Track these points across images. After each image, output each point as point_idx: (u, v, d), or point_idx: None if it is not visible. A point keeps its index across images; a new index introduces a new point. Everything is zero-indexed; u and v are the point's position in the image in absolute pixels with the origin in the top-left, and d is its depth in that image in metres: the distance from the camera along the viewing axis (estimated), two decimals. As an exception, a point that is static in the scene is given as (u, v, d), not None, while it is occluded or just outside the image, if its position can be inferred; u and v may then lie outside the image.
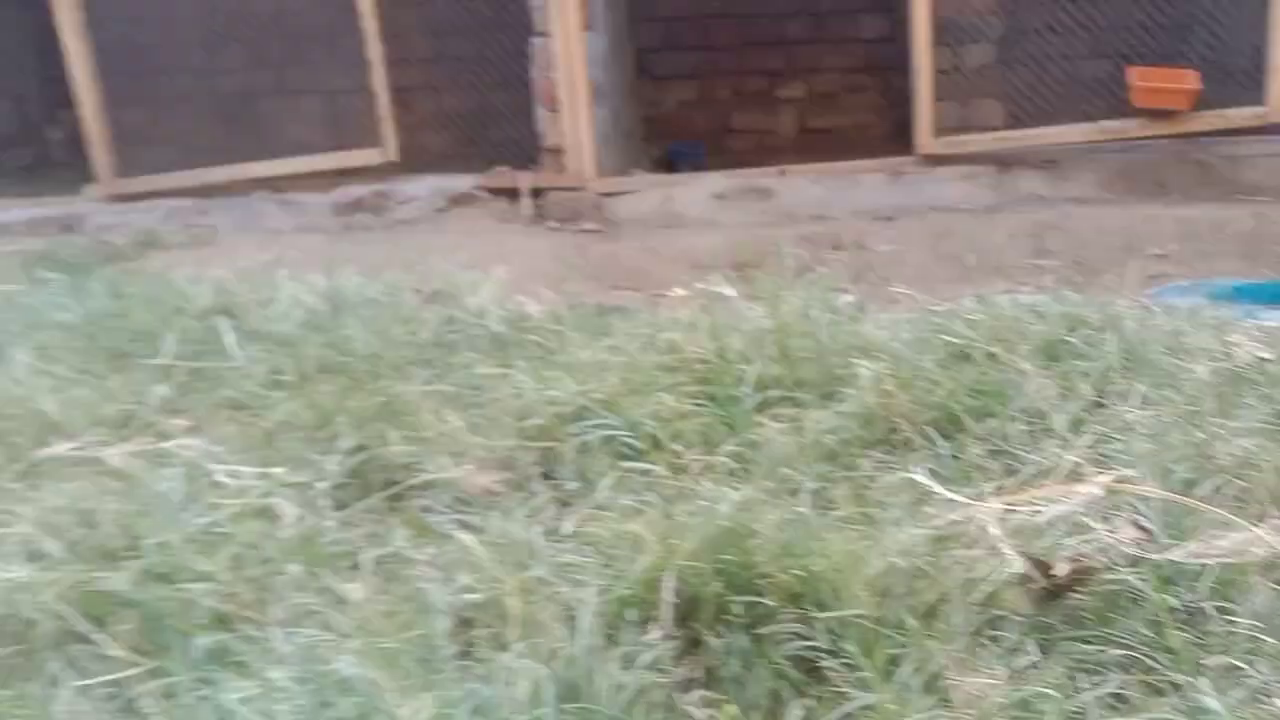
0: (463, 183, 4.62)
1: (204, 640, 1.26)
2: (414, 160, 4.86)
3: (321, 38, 5.74)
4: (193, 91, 5.65)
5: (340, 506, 1.67)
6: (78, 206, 4.66)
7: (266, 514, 1.58)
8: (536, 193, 4.60)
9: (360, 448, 1.78)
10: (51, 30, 6.01)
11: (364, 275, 2.90)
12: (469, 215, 4.59)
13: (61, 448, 1.74)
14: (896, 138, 5.67)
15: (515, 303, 2.58)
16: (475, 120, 5.83)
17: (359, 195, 4.54)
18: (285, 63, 5.94)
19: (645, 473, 1.71)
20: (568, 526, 1.59)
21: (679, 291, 2.53)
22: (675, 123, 5.92)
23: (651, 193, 4.58)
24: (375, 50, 4.55)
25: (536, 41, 4.50)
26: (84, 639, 1.32)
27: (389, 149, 4.60)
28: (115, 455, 1.70)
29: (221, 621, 1.33)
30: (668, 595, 1.32)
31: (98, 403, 1.92)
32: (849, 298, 2.59)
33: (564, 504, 1.70)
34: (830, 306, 2.40)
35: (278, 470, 1.69)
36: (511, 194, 4.63)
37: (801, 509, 1.55)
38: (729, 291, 2.42)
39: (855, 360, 2.07)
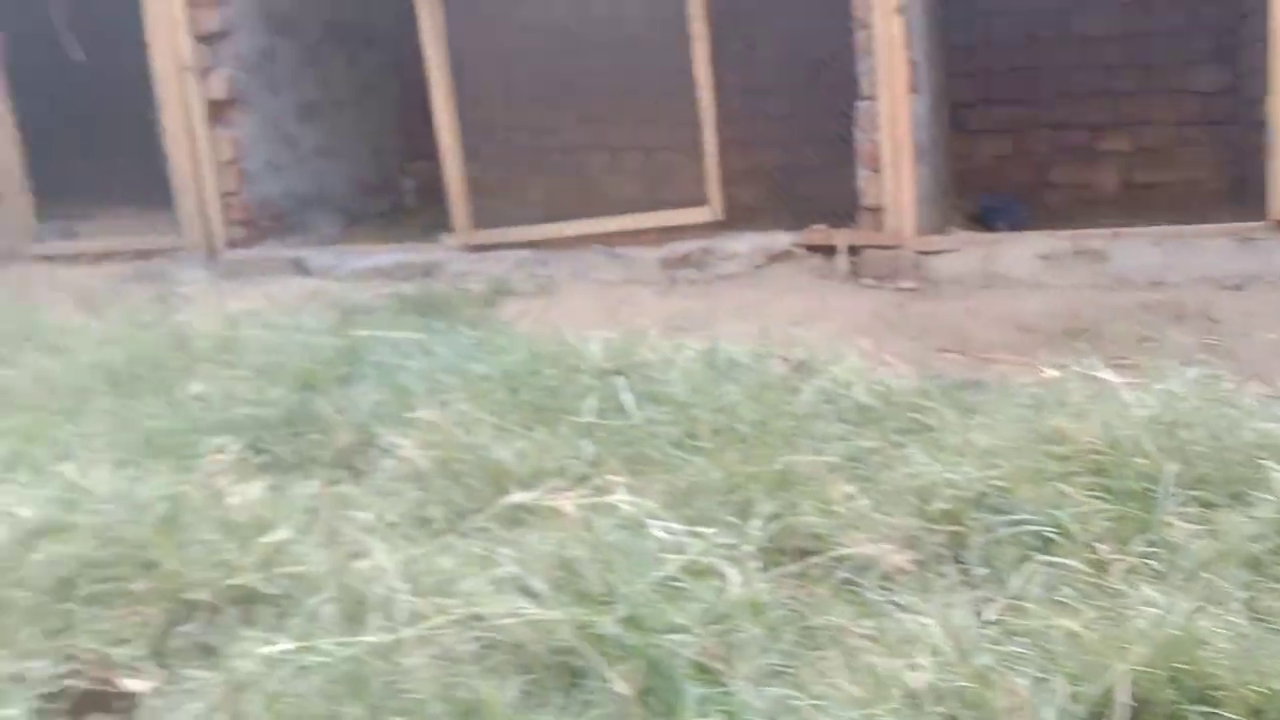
0: (781, 240, 4.79)
1: (697, 689, 1.45)
2: (726, 213, 5.11)
3: (643, 98, 6.16)
4: (528, 148, 6.20)
5: (762, 570, 1.83)
6: (436, 254, 5.22)
7: (709, 572, 1.76)
8: (852, 250, 4.69)
9: (775, 515, 1.94)
10: (409, 89, 6.80)
11: (705, 335, 3.11)
12: (786, 272, 4.75)
13: (520, 496, 2.02)
14: (1232, 195, 5.33)
15: (877, 374, 2.69)
16: (784, 175, 6.04)
17: (685, 251, 4.81)
18: (608, 120, 6.41)
19: (1058, 565, 1.76)
20: (989, 614, 1.67)
21: (1050, 371, 2.55)
22: (988, 176, 5.85)
23: (971, 252, 4.57)
24: (709, 116, 4.83)
25: (862, 105, 4.61)
26: (583, 675, 1.53)
27: (715, 208, 4.86)
28: (568, 505, 1.95)
29: (700, 671, 1.51)
30: (1123, 697, 1.37)
31: (536, 454, 2.20)
32: (1229, 384, 2.51)
33: (973, 589, 1.78)
34: (1218, 394, 2.34)
35: (709, 530, 1.88)
36: (827, 251, 4.76)
37: (1234, 619, 1.55)
38: (1106, 374, 2.42)
39: (1260, 458, 2.02)
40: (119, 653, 1.73)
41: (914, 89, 4.60)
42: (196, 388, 2.74)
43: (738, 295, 4.51)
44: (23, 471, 2.36)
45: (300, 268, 5.30)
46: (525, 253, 5.08)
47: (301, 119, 5.95)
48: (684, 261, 4.82)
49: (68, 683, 1.61)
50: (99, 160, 6.43)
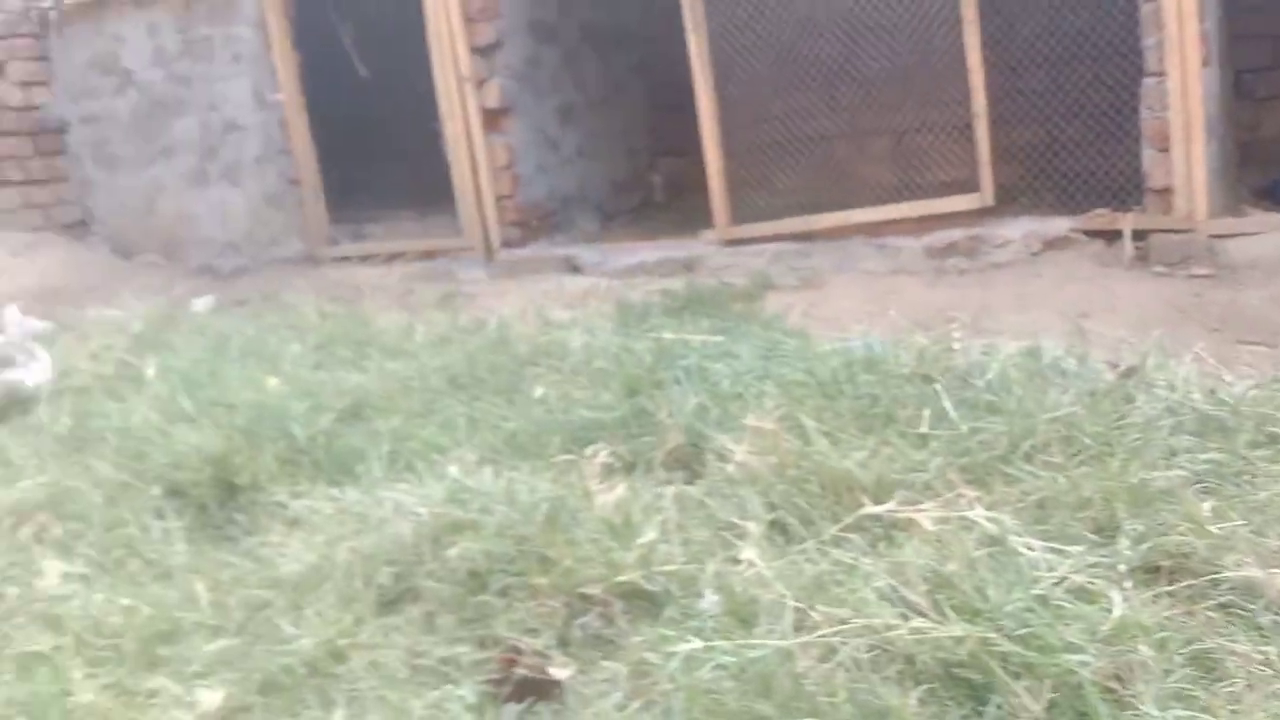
0: (1057, 225, 4.65)
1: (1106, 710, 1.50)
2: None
3: (893, 82, 6.08)
4: (778, 138, 6.25)
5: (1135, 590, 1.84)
6: (696, 248, 5.39)
7: (1085, 591, 1.79)
8: (1136, 235, 4.49)
9: (1141, 534, 1.94)
10: (655, 87, 7.00)
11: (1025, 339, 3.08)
12: (1063, 259, 4.60)
13: (875, 507, 2.11)
14: None
15: (1213, 378, 2.61)
16: (1041, 153, 5.81)
17: (953, 239, 4.75)
18: (857, 106, 6.36)
19: None
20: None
21: None
22: (1277, 148, 5.43)
23: (1275, 235, 4.27)
24: (981, 102, 4.73)
25: (1149, 81, 4.39)
26: (981, 690, 1.61)
27: (986, 194, 4.77)
28: (925, 519, 2.02)
29: (1102, 692, 1.55)
30: None
31: (878, 464, 2.28)
32: None
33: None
34: None
35: (1074, 548, 1.90)
36: (1107, 236, 4.58)
37: None
38: None
39: None
40: (531, 643, 1.95)
41: (1205, 62, 4.34)
42: (538, 391, 2.99)
43: (1014, 285, 4.42)
44: (400, 470, 2.68)
45: (570, 265, 5.59)
46: (785, 245, 5.16)
47: (562, 122, 6.26)
48: (952, 250, 4.76)
49: (510, 671, 1.84)
50: (379, 167, 7.00)
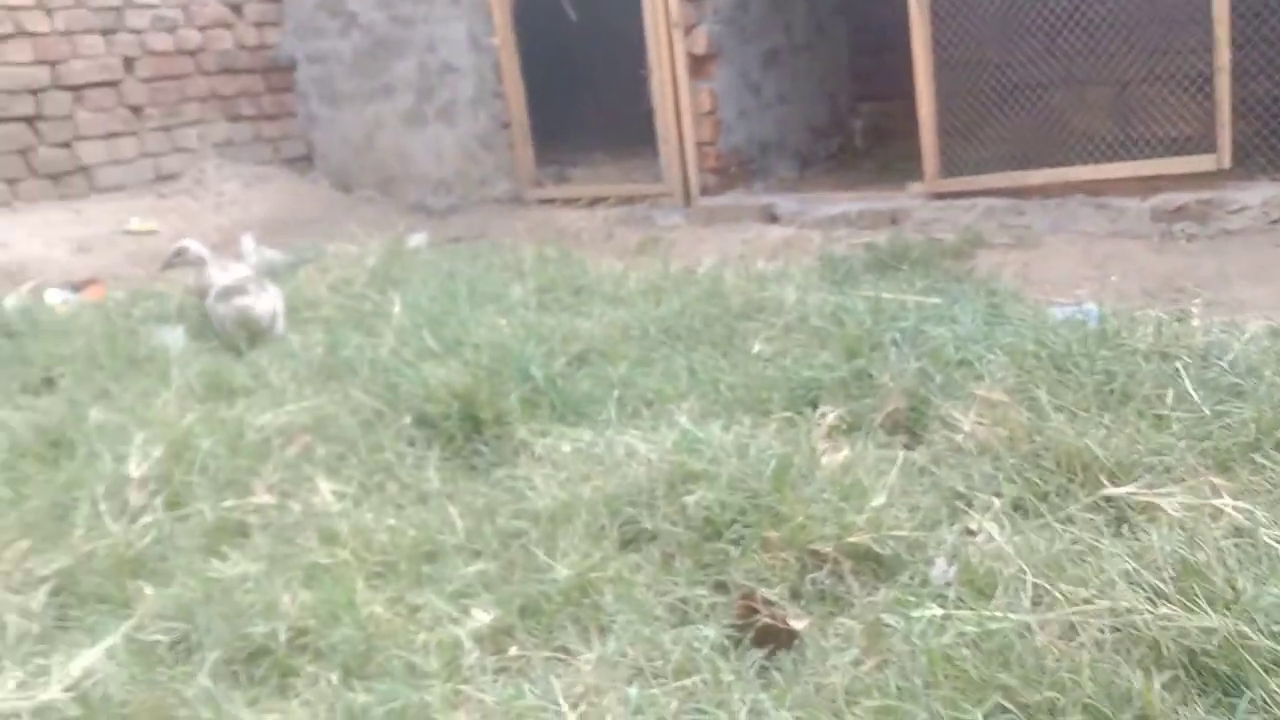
0: (1303, 192, 4.34)
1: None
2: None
3: (1117, 28, 5.73)
4: (991, 86, 6.01)
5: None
6: (901, 201, 5.31)
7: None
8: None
9: None
10: (861, 30, 6.85)
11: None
12: (1308, 228, 4.31)
13: (1117, 489, 2.10)
14: None
15: None
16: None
17: (1182, 202, 4.51)
18: (1075, 53, 6.03)
19: None
20: None
21: None
22: None
23: None
24: (1225, 55, 4.43)
25: None
26: (1229, 682, 1.62)
27: (1223, 156, 4.49)
28: (1170, 505, 2.01)
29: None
30: None
31: (1120, 445, 2.26)
32: None
33: None
34: None
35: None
36: (1361, 204, 4.25)
37: None
38: None
39: None
40: (766, 592, 2.06)
41: None
42: (756, 347, 3.08)
43: (1250, 255, 4.18)
44: (629, 415, 2.82)
45: (768, 214, 5.62)
46: (996, 201, 5.02)
47: (765, 67, 6.23)
48: (1181, 214, 4.53)
49: (750, 616, 1.96)
50: (580, 111, 7.17)
